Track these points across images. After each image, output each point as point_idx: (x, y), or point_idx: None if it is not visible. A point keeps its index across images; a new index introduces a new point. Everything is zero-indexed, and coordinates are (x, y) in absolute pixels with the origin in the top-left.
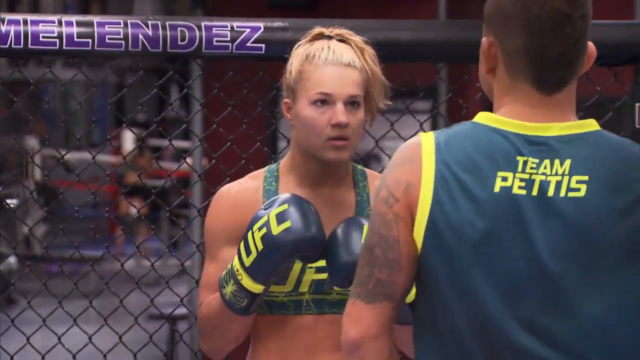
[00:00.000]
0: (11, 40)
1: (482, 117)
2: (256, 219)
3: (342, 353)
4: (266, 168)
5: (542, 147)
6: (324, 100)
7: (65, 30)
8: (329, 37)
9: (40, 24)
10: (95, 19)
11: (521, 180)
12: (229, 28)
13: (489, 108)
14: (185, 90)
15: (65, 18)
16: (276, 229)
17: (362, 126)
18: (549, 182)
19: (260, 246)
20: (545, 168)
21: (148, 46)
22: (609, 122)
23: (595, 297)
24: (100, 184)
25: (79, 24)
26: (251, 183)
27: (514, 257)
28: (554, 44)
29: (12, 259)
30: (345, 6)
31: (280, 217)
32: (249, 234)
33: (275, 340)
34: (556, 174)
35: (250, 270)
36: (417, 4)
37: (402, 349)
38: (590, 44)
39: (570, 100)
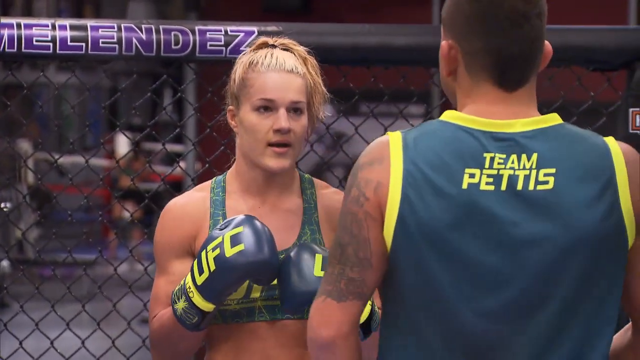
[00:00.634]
0: (5, 44)
1: (449, 116)
2: (211, 239)
3: (296, 358)
4: (213, 179)
5: (508, 143)
6: (267, 107)
7: (59, 34)
8: (273, 46)
9: (34, 28)
10: (89, 22)
11: (488, 176)
12: (223, 32)
13: None
14: (179, 94)
15: (59, 22)
16: (229, 251)
17: (304, 133)
18: (517, 176)
19: (212, 267)
20: (512, 163)
21: (142, 50)
22: (602, 127)
23: (567, 288)
24: (94, 187)
25: (72, 27)
26: (198, 195)
27: (482, 252)
28: (512, 42)
29: (4, 263)
30: (338, 11)
31: (235, 239)
32: (203, 253)
33: (230, 348)
34: (524, 168)
35: (201, 289)
36: (411, 9)
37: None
38: (546, 42)
39: (531, 96)
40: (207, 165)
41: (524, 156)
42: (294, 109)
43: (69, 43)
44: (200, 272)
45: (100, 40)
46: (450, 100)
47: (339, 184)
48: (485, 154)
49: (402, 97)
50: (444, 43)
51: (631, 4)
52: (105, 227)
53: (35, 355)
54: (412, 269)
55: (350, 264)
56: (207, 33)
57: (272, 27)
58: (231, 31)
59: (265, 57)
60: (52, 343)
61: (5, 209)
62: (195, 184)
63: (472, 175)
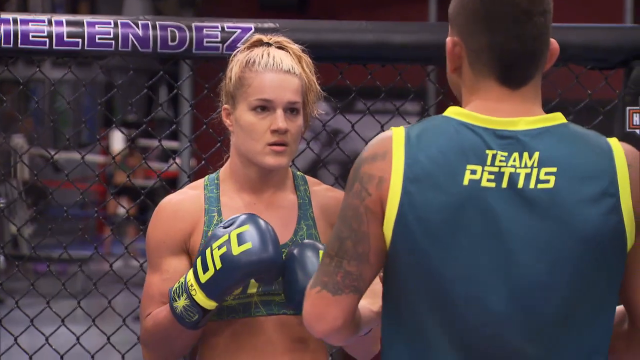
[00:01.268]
0: (1, 39)
1: (453, 112)
2: (215, 236)
3: (292, 354)
4: (205, 177)
5: (511, 141)
6: (264, 107)
7: (55, 29)
8: (268, 44)
9: (30, 23)
10: (86, 18)
11: (490, 173)
12: (220, 29)
13: None
14: (175, 90)
15: (55, 17)
16: (237, 249)
17: (300, 132)
18: (519, 174)
19: (218, 264)
20: (514, 161)
21: (138, 46)
22: (599, 126)
23: (566, 286)
24: (90, 184)
25: (69, 23)
26: (192, 192)
27: (482, 248)
28: (516, 40)
29: None
30: (335, 8)
31: (241, 238)
32: (207, 250)
33: (225, 343)
34: (525, 167)
35: (205, 287)
36: (408, 6)
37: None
38: (553, 40)
39: (535, 94)
40: (203, 162)
41: (525, 154)
42: (291, 109)
43: (65, 39)
44: (205, 269)
45: (97, 36)
46: (456, 96)
47: (334, 181)
48: (487, 151)
49: (399, 95)
50: (449, 40)
51: (627, 3)
52: (100, 224)
53: (30, 351)
54: (412, 265)
55: (348, 257)
56: (204, 29)
57: (269, 24)
58: (228, 28)
59: (262, 56)
60: (47, 339)
61: (0, 205)
62: (191, 181)
63: (473, 172)
